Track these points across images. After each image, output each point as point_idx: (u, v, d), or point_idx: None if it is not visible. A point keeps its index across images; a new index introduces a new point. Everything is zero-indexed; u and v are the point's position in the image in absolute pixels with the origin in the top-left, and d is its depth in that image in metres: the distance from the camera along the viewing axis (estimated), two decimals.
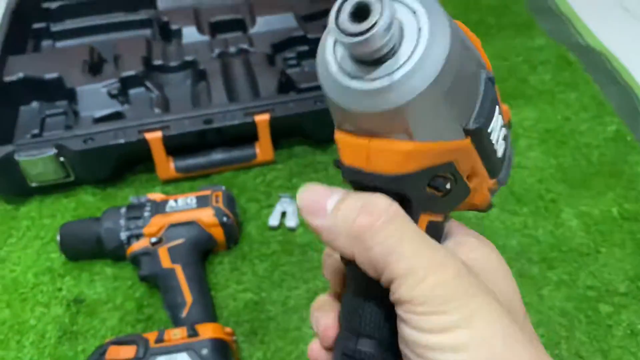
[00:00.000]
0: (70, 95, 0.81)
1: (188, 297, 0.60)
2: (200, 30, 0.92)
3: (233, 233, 0.67)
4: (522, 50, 0.96)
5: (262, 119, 0.74)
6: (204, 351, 0.52)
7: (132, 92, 0.83)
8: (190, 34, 0.91)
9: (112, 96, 0.81)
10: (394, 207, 0.24)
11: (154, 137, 0.72)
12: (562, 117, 0.84)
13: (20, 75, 0.81)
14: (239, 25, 0.93)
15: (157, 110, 0.80)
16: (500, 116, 0.26)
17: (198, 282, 0.62)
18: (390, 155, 0.23)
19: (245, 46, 0.89)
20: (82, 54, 0.86)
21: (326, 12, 0.95)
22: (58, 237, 0.67)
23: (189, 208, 0.66)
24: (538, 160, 0.79)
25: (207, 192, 0.68)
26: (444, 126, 0.23)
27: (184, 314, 0.59)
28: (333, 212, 0.25)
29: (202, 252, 0.66)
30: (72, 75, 0.82)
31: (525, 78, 0.91)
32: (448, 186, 0.25)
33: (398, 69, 0.22)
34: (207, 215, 0.65)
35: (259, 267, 0.67)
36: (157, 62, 0.86)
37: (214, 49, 0.88)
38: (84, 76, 0.82)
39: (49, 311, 0.64)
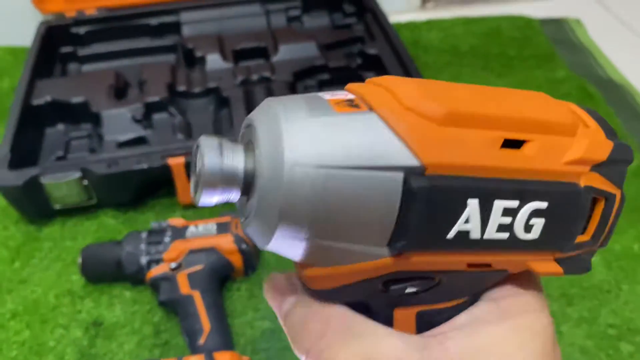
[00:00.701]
0: (95, 119, 0.83)
1: (206, 324, 0.60)
2: (223, 57, 0.93)
3: (252, 260, 0.67)
4: (543, 82, 0.96)
5: None
6: None
7: (156, 117, 0.84)
8: (214, 61, 0.93)
9: (136, 121, 0.82)
10: (336, 317, 0.23)
11: (177, 162, 0.72)
12: None
13: (48, 98, 0.83)
14: (262, 53, 0.95)
15: (179, 136, 0.81)
16: (506, 202, 0.21)
17: (216, 309, 0.62)
18: (302, 275, 0.22)
19: (267, 74, 0.90)
20: (108, 79, 0.88)
21: (348, 41, 0.96)
22: (79, 260, 0.67)
23: (209, 234, 0.66)
24: None
25: (227, 219, 0.68)
26: (339, 254, 0.20)
27: (201, 341, 0.59)
28: (285, 317, 0.25)
29: (220, 278, 0.66)
30: (98, 100, 0.84)
31: None
32: (411, 290, 0.22)
33: (246, 217, 0.20)
34: (226, 242, 0.66)
35: None
36: (181, 88, 0.87)
37: (237, 76, 0.89)
38: (109, 100, 0.84)
39: (68, 333, 0.65)
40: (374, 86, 0.21)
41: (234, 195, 0.20)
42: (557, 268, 0.23)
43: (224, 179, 0.19)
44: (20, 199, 0.72)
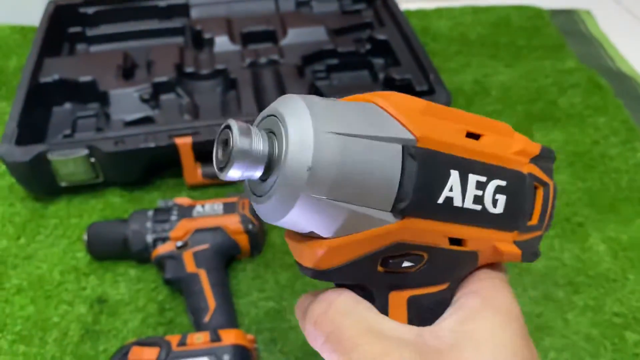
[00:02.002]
0: (103, 98, 0.83)
1: (211, 302, 0.60)
2: (232, 40, 0.93)
3: (258, 241, 0.67)
4: (552, 73, 0.96)
5: None
6: (226, 357, 0.52)
7: (163, 97, 0.84)
8: (222, 43, 0.92)
9: (144, 101, 0.82)
10: (336, 302, 0.25)
11: (184, 142, 0.72)
12: (591, 140, 0.84)
13: (56, 77, 0.83)
14: (270, 36, 0.94)
15: (186, 117, 0.81)
16: (477, 177, 0.25)
17: (221, 288, 0.62)
18: (311, 254, 0.24)
19: (275, 57, 0.90)
20: (116, 59, 0.87)
21: (357, 27, 0.96)
22: (85, 237, 0.67)
23: (215, 214, 0.66)
24: (565, 183, 0.78)
25: (234, 199, 0.68)
26: (352, 220, 0.23)
27: (206, 318, 0.59)
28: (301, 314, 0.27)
29: (226, 258, 0.66)
30: (106, 79, 0.84)
31: (555, 100, 0.91)
32: (407, 264, 0.25)
33: (262, 195, 0.23)
34: (233, 222, 0.66)
35: (281, 276, 0.67)
36: (189, 69, 0.87)
37: (245, 59, 0.89)
38: (117, 80, 0.84)
39: (72, 309, 0.65)
40: (369, 95, 0.25)
41: (257, 174, 0.22)
42: (516, 249, 0.28)
43: (252, 158, 0.22)
44: (27, 175, 0.72)
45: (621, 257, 0.69)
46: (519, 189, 0.27)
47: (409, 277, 0.26)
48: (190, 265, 0.63)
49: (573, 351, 0.61)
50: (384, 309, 0.26)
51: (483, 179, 0.25)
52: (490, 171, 0.26)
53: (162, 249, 0.64)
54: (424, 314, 0.27)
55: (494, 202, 0.26)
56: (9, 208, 0.76)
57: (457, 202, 0.25)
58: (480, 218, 0.26)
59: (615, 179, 0.78)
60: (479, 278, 0.27)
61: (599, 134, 0.85)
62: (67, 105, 0.85)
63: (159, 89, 0.83)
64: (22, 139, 0.73)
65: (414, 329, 0.25)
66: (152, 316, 0.64)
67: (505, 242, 0.27)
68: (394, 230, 0.24)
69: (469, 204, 0.25)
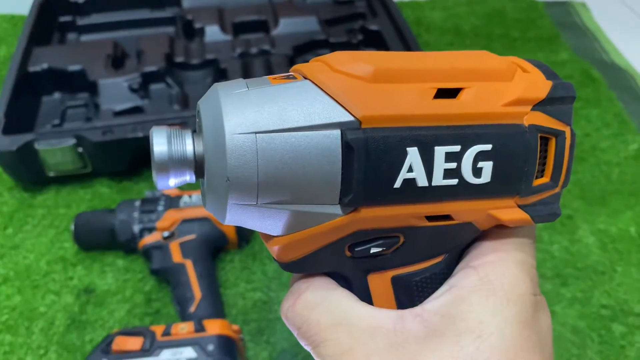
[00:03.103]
0: (92, 88, 0.82)
1: (197, 293, 0.60)
2: (223, 29, 0.92)
3: (245, 232, 0.67)
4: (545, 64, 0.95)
5: None
6: (210, 347, 0.52)
7: (153, 87, 0.84)
8: (213, 33, 0.92)
9: (133, 90, 0.81)
10: (303, 294, 0.24)
11: None
12: (582, 133, 0.83)
13: (45, 66, 0.83)
14: (262, 26, 0.94)
15: (176, 106, 0.80)
16: (447, 148, 0.21)
17: (208, 279, 0.62)
18: (270, 250, 0.23)
19: (266, 47, 0.89)
20: (106, 48, 0.87)
21: (349, 17, 0.95)
22: (72, 226, 0.67)
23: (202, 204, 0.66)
24: None
25: None
26: (295, 218, 0.21)
27: (192, 309, 0.59)
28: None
29: (213, 249, 0.66)
30: (95, 69, 0.83)
31: None
32: (377, 249, 0.23)
33: (204, 196, 0.22)
34: None
35: (269, 267, 0.67)
36: (179, 59, 0.87)
37: (236, 49, 0.89)
38: (106, 70, 0.83)
39: (59, 299, 0.65)
40: (314, 62, 0.22)
41: (189, 177, 0.21)
42: (522, 214, 0.23)
43: (174, 163, 0.20)
44: (14, 164, 0.72)
45: (610, 250, 0.69)
46: (513, 150, 0.22)
47: (385, 259, 0.23)
48: (176, 256, 0.63)
49: (559, 343, 0.61)
50: (364, 293, 0.24)
51: (456, 148, 0.21)
52: (466, 137, 0.21)
53: (149, 239, 0.64)
54: (415, 292, 0.24)
55: (476, 172, 0.21)
56: None
57: (422, 182, 0.21)
58: (459, 191, 0.22)
59: (605, 172, 0.78)
60: (482, 252, 0.23)
61: (591, 126, 0.84)
62: (57, 95, 0.85)
63: (148, 78, 0.83)
64: (10, 128, 0.72)
65: (394, 313, 0.23)
66: (138, 306, 0.64)
67: (505, 209, 0.23)
68: (348, 223, 0.21)
69: (438, 180, 0.21)
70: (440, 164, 0.21)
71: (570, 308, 0.63)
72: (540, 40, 1.01)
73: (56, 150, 0.71)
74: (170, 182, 0.21)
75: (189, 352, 0.52)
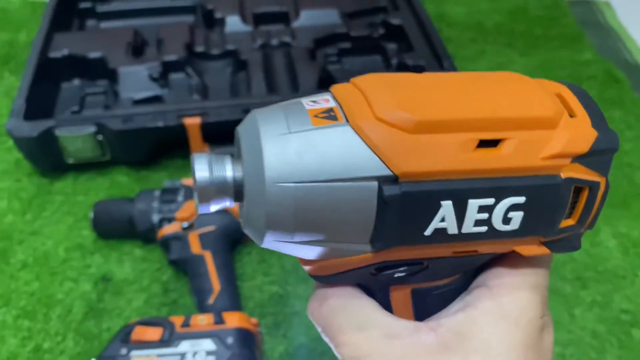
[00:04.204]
0: (112, 76, 0.82)
1: (216, 285, 0.59)
2: (243, 20, 0.92)
3: None
4: (568, 64, 0.94)
5: None
6: (229, 340, 0.52)
7: (173, 76, 0.83)
8: (234, 23, 0.91)
9: (153, 79, 0.81)
10: (329, 299, 0.25)
11: (193, 122, 0.72)
12: None
13: (65, 52, 0.82)
14: (283, 17, 0.93)
15: (195, 97, 0.80)
16: (481, 201, 0.21)
17: (226, 271, 0.61)
18: (305, 267, 0.24)
19: (287, 39, 0.88)
20: (126, 36, 0.86)
21: (371, 11, 0.94)
22: (91, 214, 0.67)
23: None
24: None
25: None
26: (326, 252, 0.22)
27: (210, 300, 0.58)
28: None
29: (232, 241, 0.66)
30: (115, 56, 0.83)
31: None
32: (402, 274, 0.24)
33: (243, 219, 0.23)
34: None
35: (286, 261, 0.67)
36: (199, 49, 0.86)
37: (256, 40, 0.88)
38: (126, 57, 0.83)
39: (77, 287, 0.65)
40: (354, 89, 0.22)
41: (229, 202, 0.22)
42: (544, 250, 0.23)
43: (216, 191, 0.21)
44: (34, 150, 0.72)
45: (631, 254, 0.68)
46: (545, 202, 0.22)
47: (408, 278, 0.24)
48: (195, 247, 0.62)
49: (578, 346, 0.60)
50: (385, 303, 0.25)
51: (490, 201, 0.21)
52: (501, 190, 0.21)
53: (168, 229, 0.64)
54: (433, 303, 0.25)
55: (506, 220, 0.22)
56: (15, 183, 0.75)
57: (452, 231, 0.21)
58: (486, 235, 0.22)
59: (628, 175, 0.77)
60: (499, 272, 0.24)
61: (613, 128, 0.82)
62: (76, 82, 0.85)
63: (168, 67, 0.82)
64: (30, 114, 0.72)
65: (412, 324, 0.24)
66: (156, 296, 0.64)
67: (528, 246, 0.23)
68: (375, 257, 0.22)
69: (468, 229, 0.21)
70: (472, 215, 0.21)
71: (589, 312, 0.63)
72: (563, 38, 1.00)
73: (76, 138, 0.71)
74: (211, 208, 0.22)
75: (208, 344, 0.52)
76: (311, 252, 0.22)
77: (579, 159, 0.22)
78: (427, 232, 0.21)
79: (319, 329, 0.25)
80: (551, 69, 0.93)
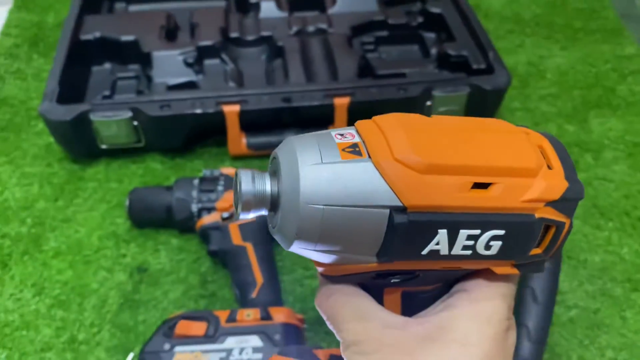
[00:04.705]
0: (145, 60, 0.80)
1: (259, 278, 0.57)
2: (278, 6, 0.89)
3: None
4: (611, 58, 0.91)
5: (341, 102, 0.71)
6: (277, 336, 0.50)
7: (207, 62, 0.81)
8: (268, 8, 0.89)
9: (188, 65, 0.79)
10: (335, 293, 0.29)
11: (231, 110, 0.69)
12: None
13: (97, 34, 0.80)
14: (318, 4, 0.90)
15: (231, 84, 0.77)
16: (469, 231, 0.26)
17: (268, 263, 0.59)
18: (318, 268, 0.29)
19: (323, 26, 0.86)
20: (159, 19, 0.84)
21: None
22: (127, 202, 0.65)
23: None
24: (625, 174, 0.75)
25: None
26: (340, 259, 0.26)
27: (253, 294, 0.56)
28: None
29: None
30: (149, 40, 0.81)
31: (613, 87, 0.86)
32: (396, 280, 0.28)
33: (274, 226, 0.27)
34: None
35: None
36: (234, 34, 0.84)
37: (292, 26, 0.85)
38: (160, 41, 0.81)
39: (112, 277, 0.63)
40: (376, 129, 0.26)
41: (264, 212, 0.26)
42: (513, 270, 0.29)
43: (256, 201, 0.26)
44: (68, 135, 0.70)
45: None
46: (520, 235, 0.27)
47: (401, 283, 0.29)
48: (236, 238, 0.60)
49: (632, 351, 0.58)
50: (378, 300, 0.30)
51: (477, 232, 0.26)
52: (487, 224, 0.26)
53: (208, 219, 0.62)
54: (417, 305, 0.30)
55: (487, 247, 0.27)
56: (47, 168, 0.74)
57: (444, 252, 0.26)
58: (470, 257, 0.27)
59: None
60: (477, 282, 0.29)
61: None
62: (107, 65, 0.82)
63: (203, 53, 0.80)
64: (63, 98, 0.70)
65: (403, 318, 0.29)
66: (193, 288, 0.62)
67: (501, 267, 0.29)
68: (378, 266, 0.27)
69: (456, 252, 0.26)
70: (461, 242, 0.26)
71: None
72: (604, 32, 0.97)
73: (112, 123, 0.68)
74: (249, 215, 0.26)
75: (255, 340, 0.50)
76: (327, 258, 0.26)
77: (551, 203, 0.27)
78: (424, 252, 0.26)
79: (325, 318, 0.30)
80: (593, 63, 0.90)
